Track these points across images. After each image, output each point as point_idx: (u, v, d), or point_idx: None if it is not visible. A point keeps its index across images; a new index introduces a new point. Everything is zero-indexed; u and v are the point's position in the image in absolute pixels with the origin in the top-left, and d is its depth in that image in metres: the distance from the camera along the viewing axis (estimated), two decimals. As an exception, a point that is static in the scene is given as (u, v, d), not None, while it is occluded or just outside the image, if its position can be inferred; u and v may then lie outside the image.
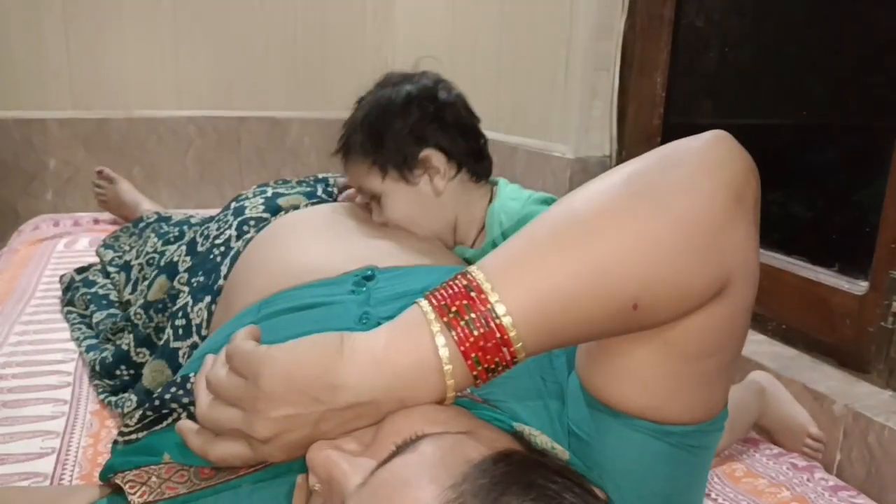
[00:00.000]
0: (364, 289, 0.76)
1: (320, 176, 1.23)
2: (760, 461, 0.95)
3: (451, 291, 0.47)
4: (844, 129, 1.20)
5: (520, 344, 0.46)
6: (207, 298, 0.90)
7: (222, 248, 0.93)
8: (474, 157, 0.98)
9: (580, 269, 0.47)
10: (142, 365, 0.96)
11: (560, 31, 1.61)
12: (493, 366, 0.47)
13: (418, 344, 0.47)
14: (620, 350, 0.52)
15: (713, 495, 0.87)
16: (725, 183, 0.47)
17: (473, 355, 0.46)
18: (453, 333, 0.46)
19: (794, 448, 0.99)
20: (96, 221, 1.95)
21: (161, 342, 0.92)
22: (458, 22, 2.08)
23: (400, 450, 0.45)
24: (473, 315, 0.46)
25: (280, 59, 2.39)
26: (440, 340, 0.46)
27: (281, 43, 2.38)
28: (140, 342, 0.99)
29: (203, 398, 0.51)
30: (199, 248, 0.98)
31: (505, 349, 0.46)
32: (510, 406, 0.61)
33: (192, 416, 0.61)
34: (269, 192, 1.06)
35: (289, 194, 1.04)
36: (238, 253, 0.93)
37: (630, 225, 0.47)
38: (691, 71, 1.45)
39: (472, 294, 0.46)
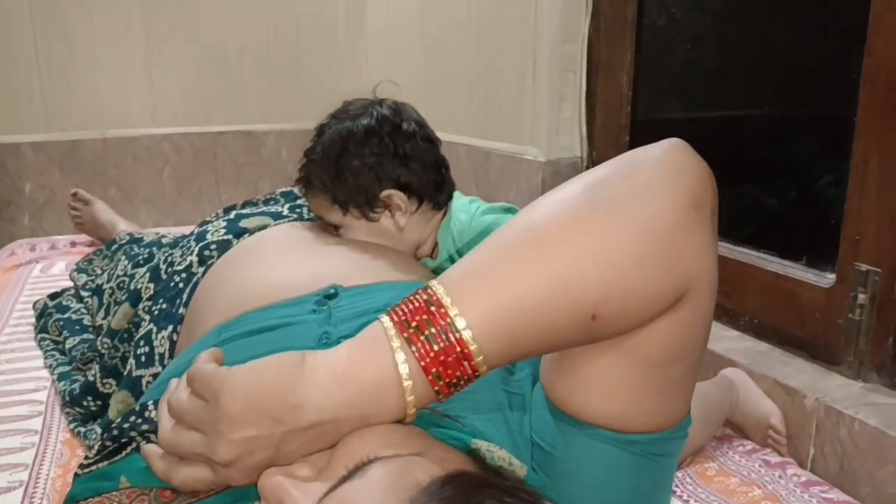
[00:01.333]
0: (325, 308, 0.75)
1: (286, 190, 1.23)
2: (733, 459, 0.95)
3: (411, 307, 0.47)
4: (808, 122, 1.20)
5: (480, 357, 0.46)
6: (170, 328, 0.89)
7: (184, 275, 0.93)
8: (435, 189, 0.98)
9: (539, 282, 0.47)
10: (108, 395, 0.96)
11: (526, 34, 1.61)
12: (454, 380, 0.47)
13: (379, 360, 0.47)
14: (583, 359, 0.52)
15: (685, 497, 0.87)
16: (684, 190, 0.48)
17: (434, 370, 0.46)
18: (413, 349, 0.46)
19: (762, 442, 1.00)
20: (73, 244, 1.94)
21: (125, 371, 0.91)
22: (428, 29, 2.08)
23: (350, 475, 0.45)
24: (434, 330, 0.46)
25: (254, 72, 2.38)
26: (400, 357, 0.46)
27: (254, 55, 2.37)
28: (106, 373, 0.98)
29: (165, 422, 0.51)
30: (163, 276, 0.97)
31: (466, 363, 0.46)
32: (470, 420, 0.61)
33: (152, 444, 0.61)
34: (233, 214, 1.06)
35: (253, 215, 1.03)
36: (199, 279, 0.92)
37: (589, 235, 0.47)
38: (656, 69, 1.45)
39: (432, 309, 0.47)
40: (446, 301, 0.47)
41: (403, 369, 0.46)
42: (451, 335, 0.46)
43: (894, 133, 0.95)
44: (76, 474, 0.68)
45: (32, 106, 2.21)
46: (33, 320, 1.37)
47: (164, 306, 0.91)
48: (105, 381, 0.98)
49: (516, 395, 0.62)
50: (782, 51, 1.24)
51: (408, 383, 0.47)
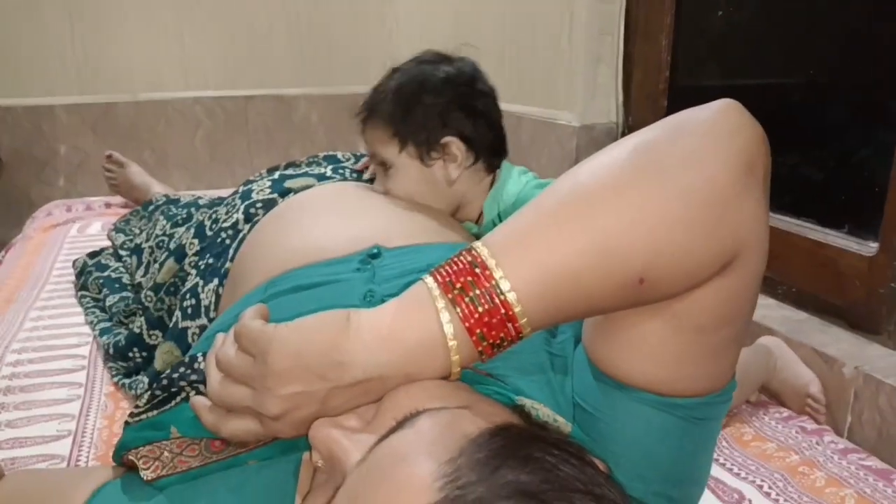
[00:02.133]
0: (369, 266, 0.76)
1: (329, 154, 1.24)
2: (769, 424, 0.95)
3: (455, 268, 0.47)
4: (853, 88, 1.18)
5: (525, 319, 0.46)
6: (216, 281, 0.90)
7: (230, 232, 0.94)
8: (493, 151, 0.98)
9: (585, 245, 0.46)
10: (154, 347, 0.98)
11: (563, -4, 1.59)
12: (497, 341, 0.47)
13: (423, 320, 0.47)
14: (629, 322, 0.52)
15: (721, 460, 0.87)
16: (735, 154, 0.47)
17: (478, 331, 0.46)
18: (458, 310, 0.46)
19: (800, 410, 0.99)
20: (108, 205, 1.96)
21: (171, 324, 0.93)
22: (460, -8, 2.06)
23: (398, 426, 0.45)
24: (478, 291, 0.46)
25: (285, 37, 2.37)
26: (445, 317, 0.47)
27: (285, 20, 2.36)
28: (152, 324, 1.00)
29: (214, 376, 0.52)
30: (208, 232, 0.98)
31: (510, 325, 0.46)
32: (513, 380, 0.61)
33: (200, 395, 0.62)
34: (277, 174, 1.06)
35: (297, 175, 1.04)
36: (245, 236, 0.93)
37: (636, 199, 0.46)
38: (696, 33, 1.42)
39: (477, 270, 0.47)
40: (490, 263, 0.46)
41: (448, 329, 0.47)
42: (495, 297, 0.46)
43: (946, 98, 0.93)
44: (126, 423, 0.70)
45: (65, 69, 2.22)
46: (73, 278, 1.39)
47: (210, 261, 0.93)
48: (151, 332, 1.00)
49: (559, 356, 0.62)
50: (826, 14, 1.21)
51: (452, 343, 0.47)
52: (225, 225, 0.95)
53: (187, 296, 0.91)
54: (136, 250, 1.32)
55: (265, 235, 0.90)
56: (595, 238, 0.46)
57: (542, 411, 0.56)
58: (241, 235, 0.92)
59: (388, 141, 0.94)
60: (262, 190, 0.98)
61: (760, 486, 0.83)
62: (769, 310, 1.15)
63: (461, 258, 0.48)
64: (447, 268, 0.48)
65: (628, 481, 0.54)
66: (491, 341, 0.47)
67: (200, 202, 1.35)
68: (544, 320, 0.48)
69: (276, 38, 2.37)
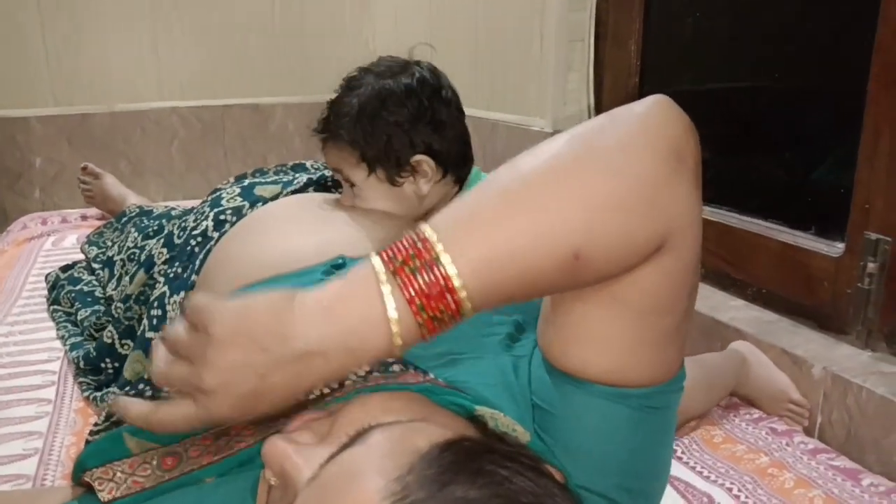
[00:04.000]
0: (332, 277, 0.76)
1: (297, 163, 1.24)
2: (739, 426, 0.96)
3: (400, 245, 0.48)
4: (818, 92, 1.19)
5: (464, 293, 0.47)
6: (182, 293, 0.90)
7: (199, 239, 0.94)
8: (461, 161, 0.97)
9: (524, 221, 0.48)
10: (125, 357, 0.97)
11: (534, 3, 1.59)
12: (438, 314, 0.47)
13: (365, 293, 0.47)
14: (576, 312, 0.53)
15: (691, 463, 0.88)
16: (665, 142, 0.49)
17: (418, 301, 0.46)
18: (398, 280, 0.47)
19: (779, 414, 1.00)
20: (84, 218, 1.95)
21: (139, 332, 0.92)
22: (434, 2, 2.06)
23: (351, 441, 0.45)
24: (418, 262, 0.47)
25: (260, 45, 2.37)
26: (386, 289, 0.47)
27: (261, 29, 2.36)
28: (123, 334, 0.99)
29: (160, 355, 0.51)
30: (176, 241, 0.98)
31: (449, 297, 0.47)
32: (474, 387, 0.61)
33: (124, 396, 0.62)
34: (247, 182, 1.06)
35: (265, 183, 1.04)
36: (214, 245, 0.93)
37: (572, 180, 0.48)
38: (665, 39, 1.43)
39: (419, 245, 0.47)
40: (432, 237, 0.47)
41: (389, 301, 0.47)
42: (435, 269, 0.46)
43: (906, 100, 0.94)
44: (87, 440, 0.70)
45: (40, 80, 2.21)
46: (45, 292, 1.38)
47: (178, 270, 0.92)
48: (123, 342, 0.99)
49: (523, 357, 0.63)
50: (793, 20, 1.22)
51: (393, 315, 0.47)
52: (194, 233, 0.94)
53: (154, 304, 0.91)
54: (108, 263, 1.31)
55: (231, 247, 0.90)
56: (533, 216, 0.48)
57: (502, 420, 0.56)
58: (209, 244, 0.92)
59: (356, 164, 0.92)
60: (232, 198, 0.98)
61: (730, 489, 0.83)
62: (739, 311, 1.16)
63: (406, 236, 0.49)
64: (392, 245, 0.49)
65: (588, 476, 0.55)
66: (431, 314, 0.47)
67: (173, 213, 1.35)
68: (485, 296, 0.48)
69: (251, 48, 2.36)
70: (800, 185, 1.20)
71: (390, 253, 0.48)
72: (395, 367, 0.60)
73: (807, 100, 1.21)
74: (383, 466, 0.42)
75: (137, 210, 1.52)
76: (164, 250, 0.99)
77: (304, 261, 0.80)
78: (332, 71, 2.61)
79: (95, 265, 1.37)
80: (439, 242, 0.47)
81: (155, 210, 1.48)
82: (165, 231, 1.07)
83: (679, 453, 0.89)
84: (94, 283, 1.33)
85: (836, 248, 1.05)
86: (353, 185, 0.94)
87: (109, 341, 1.01)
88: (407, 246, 0.48)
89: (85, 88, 2.25)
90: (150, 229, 1.26)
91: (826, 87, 1.17)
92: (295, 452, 0.46)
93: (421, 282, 0.46)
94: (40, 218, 1.96)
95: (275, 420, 0.55)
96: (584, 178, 0.48)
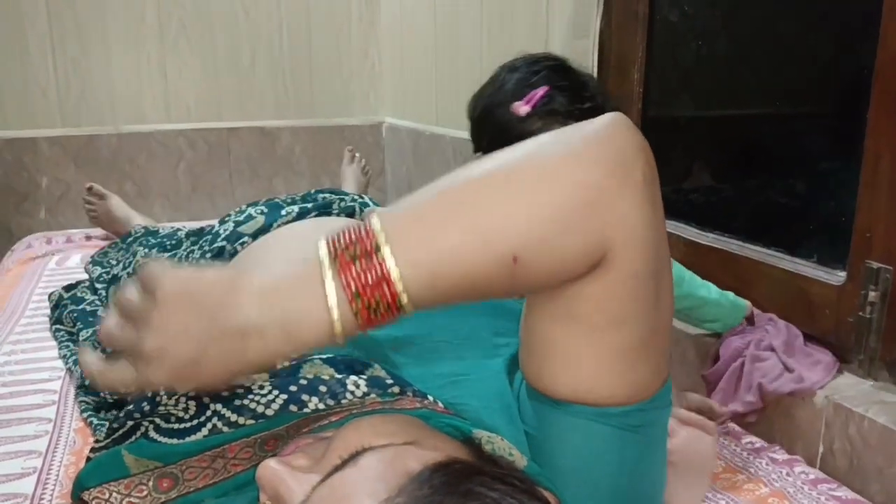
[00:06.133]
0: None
1: (312, 192, 1.24)
2: (740, 455, 0.95)
3: (345, 233, 0.49)
4: (820, 118, 1.20)
5: (401, 286, 0.47)
6: None
7: (208, 257, 0.94)
8: None
9: (465, 221, 0.49)
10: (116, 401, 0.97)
11: (537, 30, 1.61)
12: (373, 303, 0.47)
13: (307, 277, 0.48)
14: (537, 331, 0.55)
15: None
16: (611, 156, 0.50)
17: (353, 287, 0.47)
18: (337, 263, 0.47)
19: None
20: (88, 238, 1.96)
21: None
22: (440, 26, 2.09)
23: (343, 464, 0.46)
24: (359, 250, 0.47)
25: (267, 69, 2.39)
26: (327, 274, 0.47)
27: (267, 52, 2.39)
28: None
29: (111, 317, 0.51)
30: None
31: (385, 287, 0.47)
32: (474, 409, 0.61)
33: (157, 428, 0.62)
34: (254, 211, 1.06)
35: (274, 211, 1.03)
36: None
37: (515, 185, 0.49)
38: (668, 66, 1.45)
39: (363, 234, 0.48)
40: (376, 226, 0.48)
41: (329, 287, 0.47)
42: (374, 258, 0.47)
43: (906, 129, 0.94)
44: (88, 457, 0.70)
45: (48, 101, 2.23)
46: (48, 311, 1.38)
47: None
48: None
49: (523, 381, 0.63)
50: (795, 46, 1.24)
51: (332, 301, 0.47)
52: (207, 253, 0.95)
53: None
54: (113, 280, 1.31)
55: (243, 264, 0.91)
56: (475, 217, 0.49)
57: (499, 444, 0.56)
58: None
59: None
60: (243, 225, 0.97)
61: (731, 519, 0.82)
62: (741, 339, 1.15)
63: (354, 225, 0.49)
64: (339, 233, 0.49)
65: (581, 500, 0.55)
66: (366, 302, 0.47)
67: (179, 233, 1.35)
68: (424, 293, 0.49)
69: (258, 71, 2.39)
70: (802, 212, 1.21)
71: (336, 239, 0.49)
72: (394, 390, 0.60)
73: (808, 126, 1.22)
74: (374, 489, 0.42)
75: (143, 230, 1.53)
76: None
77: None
78: (338, 95, 2.64)
79: (99, 285, 1.38)
80: (382, 232, 0.48)
81: (161, 230, 1.49)
82: (179, 252, 1.07)
83: (666, 460, 0.88)
84: (97, 302, 1.34)
85: (838, 277, 1.05)
86: None
87: None
88: (352, 234, 0.49)
89: (92, 110, 2.27)
90: (168, 243, 1.26)
91: (828, 113, 1.18)
92: (289, 476, 0.46)
93: (358, 268, 0.47)
94: (45, 237, 1.97)
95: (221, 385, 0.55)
96: (526, 184, 0.49)
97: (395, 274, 0.47)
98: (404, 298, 0.48)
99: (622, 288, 0.52)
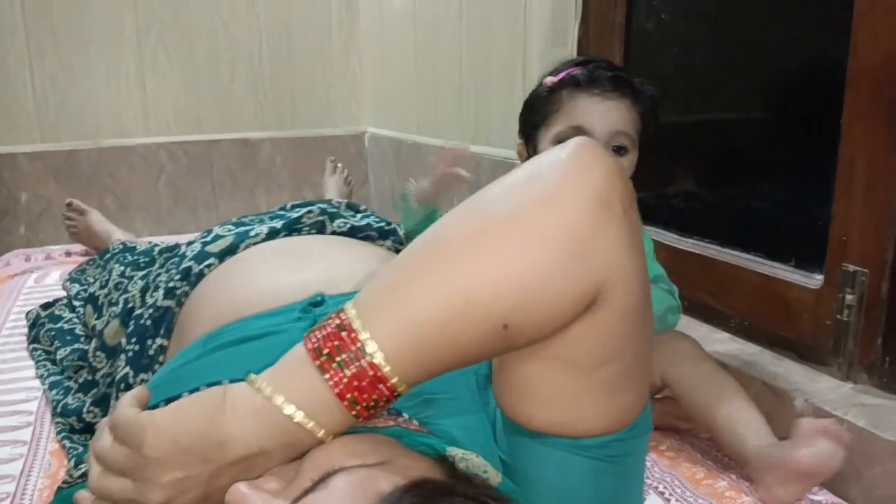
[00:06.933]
0: (310, 315, 0.76)
1: (286, 206, 1.23)
2: (722, 461, 0.95)
3: (324, 332, 0.48)
4: (796, 124, 1.20)
5: (396, 378, 0.47)
6: (142, 376, 0.89)
7: (150, 311, 0.92)
8: None
9: (448, 297, 0.47)
10: (93, 424, 0.96)
11: (516, 39, 1.62)
12: (371, 403, 0.47)
13: (295, 392, 0.47)
14: (517, 369, 0.53)
15: (673, 501, 0.87)
16: (588, 193, 0.48)
17: (349, 396, 0.46)
18: (326, 376, 0.46)
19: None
20: (68, 254, 1.95)
21: (112, 404, 0.91)
22: (419, 35, 2.09)
23: (313, 486, 0.45)
24: (345, 356, 0.46)
25: (247, 80, 2.39)
26: (315, 387, 0.47)
27: (247, 63, 2.38)
28: (96, 401, 0.98)
29: (94, 469, 0.50)
30: (137, 310, 0.96)
31: (381, 386, 0.47)
32: (448, 427, 0.61)
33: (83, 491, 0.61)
34: (222, 230, 1.03)
35: (243, 231, 1.01)
36: (173, 313, 0.91)
37: (494, 246, 0.47)
38: (645, 73, 1.45)
39: (343, 334, 0.47)
40: (357, 324, 0.47)
41: (320, 398, 0.47)
42: (362, 360, 0.46)
43: (880, 134, 0.95)
44: (59, 487, 0.69)
45: (27, 116, 2.22)
46: (26, 330, 1.37)
47: (136, 347, 0.91)
48: (91, 409, 0.97)
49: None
50: (771, 53, 1.24)
51: (325, 414, 0.47)
52: (149, 301, 0.93)
53: (122, 385, 0.89)
54: (90, 299, 1.30)
55: (211, 286, 0.89)
56: (456, 289, 0.47)
57: (473, 461, 0.56)
58: (169, 313, 0.91)
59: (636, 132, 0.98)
60: (211, 244, 0.96)
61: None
62: (722, 344, 1.16)
63: (330, 321, 0.48)
64: (317, 333, 0.48)
65: None
66: (364, 404, 0.47)
67: (155, 251, 1.34)
68: (419, 375, 0.48)
69: (239, 82, 2.38)
70: (779, 216, 1.21)
71: (316, 343, 0.48)
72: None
73: (786, 132, 1.22)
74: None
75: (121, 247, 1.51)
76: (123, 329, 0.98)
77: (282, 299, 0.80)
78: (319, 106, 2.63)
79: (76, 303, 1.36)
80: (365, 329, 0.47)
81: (139, 246, 1.48)
82: (122, 308, 1.04)
83: (661, 489, 0.88)
84: (75, 320, 1.32)
85: (816, 280, 1.05)
86: (625, 154, 0.97)
87: (80, 405, 0.99)
88: (331, 334, 0.47)
89: (71, 124, 2.25)
90: (143, 261, 1.25)
91: (804, 118, 1.19)
92: (259, 499, 0.45)
93: (349, 374, 0.46)
94: (24, 255, 1.96)
95: None
96: (506, 242, 0.47)
97: (387, 370, 0.46)
98: (402, 388, 0.48)
99: (613, 328, 0.50)
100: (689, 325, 1.22)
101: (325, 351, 0.47)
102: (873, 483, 0.88)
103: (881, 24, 0.94)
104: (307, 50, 2.42)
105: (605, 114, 0.94)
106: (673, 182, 1.42)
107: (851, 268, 0.99)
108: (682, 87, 1.39)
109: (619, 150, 0.96)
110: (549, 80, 0.99)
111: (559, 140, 0.93)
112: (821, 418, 0.94)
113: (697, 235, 1.26)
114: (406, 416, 0.61)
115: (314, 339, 0.48)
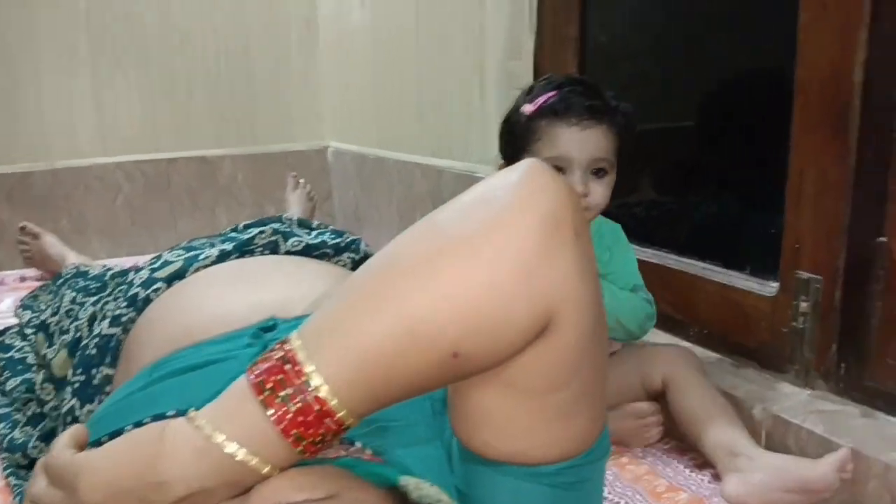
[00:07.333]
0: (261, 341, 0.74)
1: (240, 226, 1.20)
2: (683, 473, 0.95)
3: (267, 365, 0.46)
4: (750, 135, 1.22)
5: (344, 412, 0.45)
6: (95, 401, 0.86)
7: (96, 340, 0.89)
8: None
9: (395, 326, 0.46)
10: (36, 459, 0.92)
11: (472, 53, 1.62)
12: (318, 439, 0.46)
13: (237, 428, 0.46)
14: (470, 397, 0.52)
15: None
16: (538, 217, 0.47)
17: (294, 432, 0.45)
18: (270, 412, 0.45)
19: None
20: (23, 279, 1.90)
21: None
22: (378, 50, 2.09)
23: None
24: (289, 390, 0.45)
25: (205, 97, 2.35)
26: (257, 424, 0.45)
27: (205, 79, 2.34)
28: (42, 436, 0.95)
29: None
30: (84, 339, 0.93)
31: (328, 420, 0.45)
32: (401, 456, 0.60)
33: None
34: (171, 255, 1.01)
35: (192, 255, 0.99)
36: (119, 340, 0.89)
37: (442, 273, 0.46)
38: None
39: (287, 367, 0.45)
40: (301, 356, 0.45)
41: (262, 436, 0.45)
42: (307, 394, 0.45)
43: (828, 144, 0.97)
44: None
45: (-22, 138, 2.16)
46: (-24, 360, 1.32)
47: (82, 378, 0.88)
48: (37, 444, 0.94)
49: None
50: (723, 64, 1.26)
51: (268, 450, 0.45)
52: (95, 330, 0.91)
53: (68, 418, 0.86)
54: (42, 326, 1.26)
55: (158, 311, 0.87)
56: (404, 318, 0.46)
57: (426, 490, 0.54)
58: (114, 341, 0.88)
59: (614, 156, 1.00)
60: (158, 270, 0.93)
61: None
62: (682, 354, 1.16)
63: (274, 353, 0.47)
64: (260, 364, 0.47)
65: None
66: (311, 440, 0.46)
67: (106, 275, 1.31)
68: (368, 406, 0.47)
69: (197, 99, 2.34)
70: (736, 225, 1.23)
71: (258, 376, 0.46)
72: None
73: (741, 141, 1.24)
74: None
75: (73, 271, 1.47)
76: (70, 360, 0.95)
77: (234, 323, 0.78)
78: (280, 120, 2.59)
79: (28, 330, 1.32)
80: (310, 362, 0.45)
81: (91, 270, 1.44)
82: (102, 296, 1.02)
83: (623, 503, 0.88)
84: (28, 349, 1.28)
85: (771, 288, 1.06)
86: (605, 176, 1.00)
87: (26, 439, 0.96)
88: (274, 367, 0.46)
89: (25, 146, 2.20)
90: (94, 286, 1.22)
91: (759, 127, 1.20)
92: None
93: (294, 410, 0.45)
94: (-23, 280, 1.90)
95: None
96: (455, 269, 0.46)
97: (333, 403, 0.45)
98: (350, 420, 0.46)
99: (566, 353, 0.50)
100: (650, 334, 1.22)
101: (269, 385, 0.45)
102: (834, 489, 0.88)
103: (825, 35, 0.96)
104: (267, 64, 2.40)
105: (584, 143, 0.98)
106: (631, 192, 1.42)
107: (805, 275, 1.00)
108: (636, 97, 1.40)
109: (598, 173, 1.00)
110: (528, 108, 1.01)
111: None
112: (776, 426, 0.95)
113: (656, 245, 1.27)
114: (359, 444, 0.60)
115: (257, 372, 0.47)
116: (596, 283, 0.51)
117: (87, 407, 0.86)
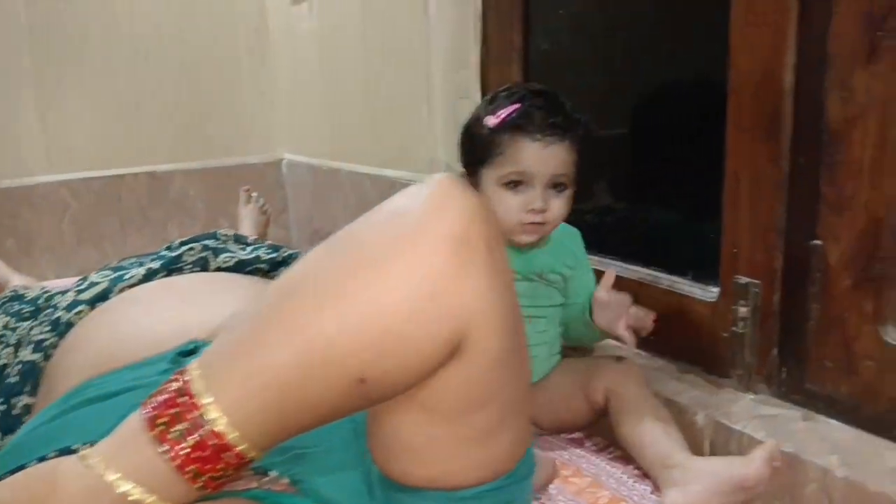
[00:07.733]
0: (178, 367, 0.71)
1: (175, 243, 1.17)
2: (626, 483, 0.94)
3: (161, 398, 0.44)
4: (690, 139, 1.22)
5: (245, 445, 0.43)
6: (9, 437, 0.83)
7: (19, 367, 0.86)
8: None
9: (297, 353, 0.44)
10: None
11: (419, 63, 1.61)
12: (218, 474, 0.44)
13: (132, 467, 0.44)
14: (385, 422, 0.50)
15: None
16: (445, 235, 0.45)
17: (190, 468, 0.43)
18: (163, 449, 0.43)
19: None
20: (-37, 302, 1.83)
21: None
22: (325, 61, 2.07)
23: None
24: (185, 425, 0.43)
25: (155, 110, 2.31)
26: (151, 461, 0.43)
27: (154, 93, 2.30)
28: None
29: None
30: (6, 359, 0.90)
31: (227, 454, 0.43)
32: (318, 485, 0.58)
33: None
34: (97, 276, 0.97)
35: (118, 275, 0.96)
36: (40, 367, 0.86)
37: (346, 297, 0.44)
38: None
39: (183, 399, 0.44)
40: (197, 387, 0.44)
41: (158, 474, 0.44)
42: (202, 429, 0.43)
43: (761, 146, 0.97)
44: None
45: (-82, 158, 2.10)
46: None
47: (3, 407, 0.84)
48: None
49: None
50: (662, 70, 1.26)
51: (165, 488, 0.44)
52: (19, 356, 0.87)
53: None
54: (-25, 355, 1.22)
55: (78, 336, 0.84)
56: (307, 344, 0.44)
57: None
58: (32, 369, 0.85)
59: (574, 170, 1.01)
60: (84, 292, 0.90)
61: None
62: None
63: (170, 384, 0.45)
64: (156, 398, 0.45)
65: None
66: (209, 475, 0.44)
67: (43, 297, 1.27)
68: (272, 438, 0.45)
69: (146, 113, 2.30)
70: (678, 230, 1.23)
71: (152, 410, 0.44)
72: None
73: (680, 146, 1.24)
74: None
75: (11, 294, 1.43)
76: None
77: (155, 347, 0.75)
78: (232, 133, 2.55)
79: (-40, 357, 1.27)
80: (208, 393, 0.43)
81: (28, 293, 1.40)
82: (33, 322, 0.99)
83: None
84: (-41, 377, 1.24)
85: (712, 293, 1.06)
86: (564, 190, 1.01)
87: None
88: (169, 400, 0.44)
89: (-34, 165, 2.14)
90: (26, 311, 1.18)
91: (697, 132, 1.20)
92: None
93: (190, 445, 0.43)
94: (-85, 305, 1.83)
95: None
96: (359, 292, 0.44)
97: (232, 437, 0.43)
98: (252, 453, 0.44)
99: (481, 373, 0.48)
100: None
101: (161, 420, 0.43)
102: (774, 494, 0.88)
103: (756, 37, 0.96)
104: (217, 76, 2.36)
105: (546, 159, 0.99)
106: (579, 200, 1.42)
107: (743, 279, 1.00)
108: (578, 105, 1.40)
109: (557, 187, 1.01)
110: (490, 120, 1.00)
111: (504, 183, 0.99)
112: (719, 432, 0.95)
113: (602, 252, 1.27)
114: (275, 473, 0.58)
115: (152, 405, 0.45)
116: (510, 299, 0.50)
117: (9, 437, 0.83)
